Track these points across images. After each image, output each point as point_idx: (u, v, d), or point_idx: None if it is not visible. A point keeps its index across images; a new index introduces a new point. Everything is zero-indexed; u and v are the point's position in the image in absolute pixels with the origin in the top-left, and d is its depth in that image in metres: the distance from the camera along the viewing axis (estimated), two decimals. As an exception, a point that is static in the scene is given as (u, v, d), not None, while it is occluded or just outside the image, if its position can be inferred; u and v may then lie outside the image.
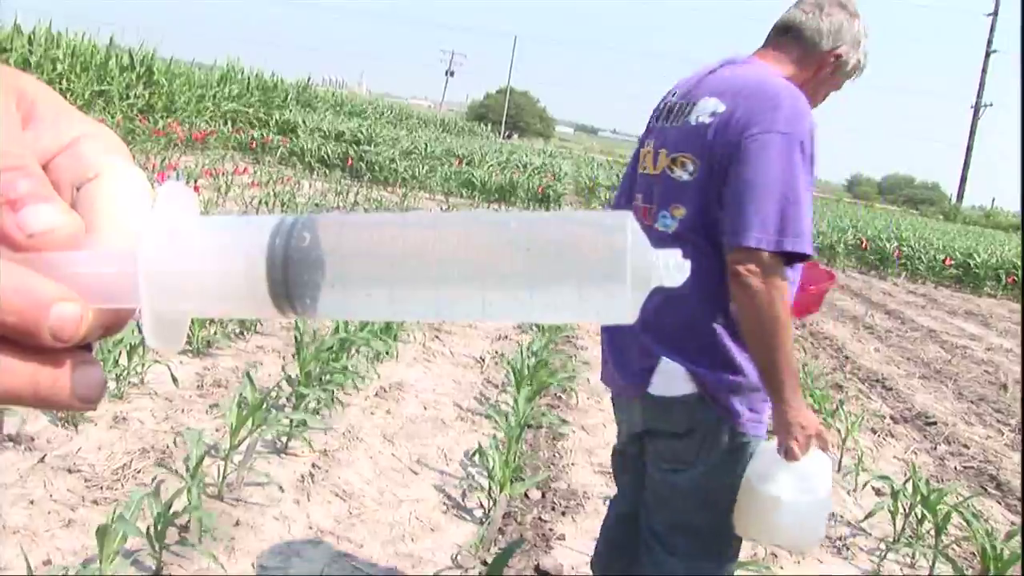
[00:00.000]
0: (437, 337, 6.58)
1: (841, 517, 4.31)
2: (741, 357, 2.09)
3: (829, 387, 6.65)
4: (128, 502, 2.78)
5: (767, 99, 2.02)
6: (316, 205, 12.18)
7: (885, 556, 3.91)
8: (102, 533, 2.54)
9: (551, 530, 3.67)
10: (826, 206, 35.34)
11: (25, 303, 0.33)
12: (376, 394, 4.99)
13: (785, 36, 2.24)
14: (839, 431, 5.19)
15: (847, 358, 8.16)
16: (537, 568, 3.35)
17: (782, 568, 3.61)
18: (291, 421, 3.95)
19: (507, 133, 74.88)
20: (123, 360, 4.32)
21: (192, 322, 4.17)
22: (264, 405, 3.65)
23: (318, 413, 4.35)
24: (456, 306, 0.35)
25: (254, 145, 18.34)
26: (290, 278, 0.35)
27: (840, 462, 5.01)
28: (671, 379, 2.14)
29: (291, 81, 28.45)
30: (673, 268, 0.35)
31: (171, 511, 2.88)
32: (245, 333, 5.70)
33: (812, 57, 2.22)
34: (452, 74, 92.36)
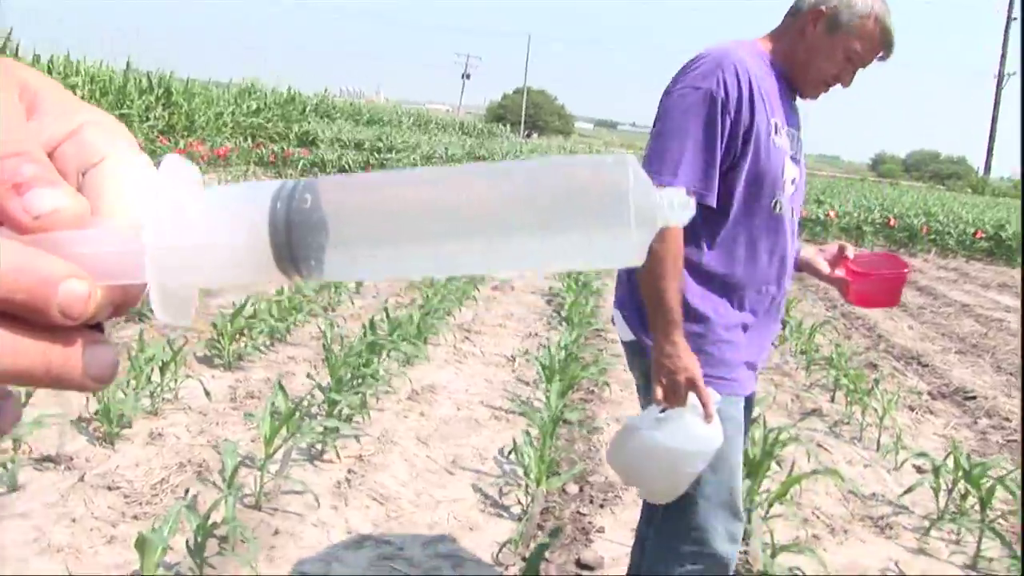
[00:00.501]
0: (467, 338, 6.58)
1: (882, 496, 4.27)
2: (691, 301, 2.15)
3: (863, 366, 6.59)
4: (167, 515, 2.79)
5: (690, 62, 2.13)
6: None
7: (928, 532, 3.86)
8: (141, 545, 2.55)
9: (590, 523, 3.65)
10: (850, 186, 35.08)
11: (33, 280, 0.33)
12: (408, 397, 4.99)
13: (786, 16, 2.28)
14: (876, 410, 5.14)
15: (880, 337, 8.08)
16: (578, 562, 3.34)
17: (825, 550, 3.57)
18: (324, 428, 3.96)
19: (527, 132, 74.85)
20: (156, 376, 4.35)
21: (223, 337, 4.18)
22: (296, 413, 3.66)
23: (351, 420, 4.36)
24: (463, 259, 0.35)
25: (274, 159, 18.44)
26: (293, 241, 0.35)
27: (879, 441, 4.97)
28: (621, 326, 2.29)
29: (308, 94, 28.59)
30: (678, 206, 0.35)
31: (210, 522, 2.89)
32: (275, 344, 5.73)
33: (797, 21, 2.23)
34: (468, 77, 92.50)
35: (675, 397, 2.07)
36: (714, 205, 2.09)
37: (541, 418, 4.09)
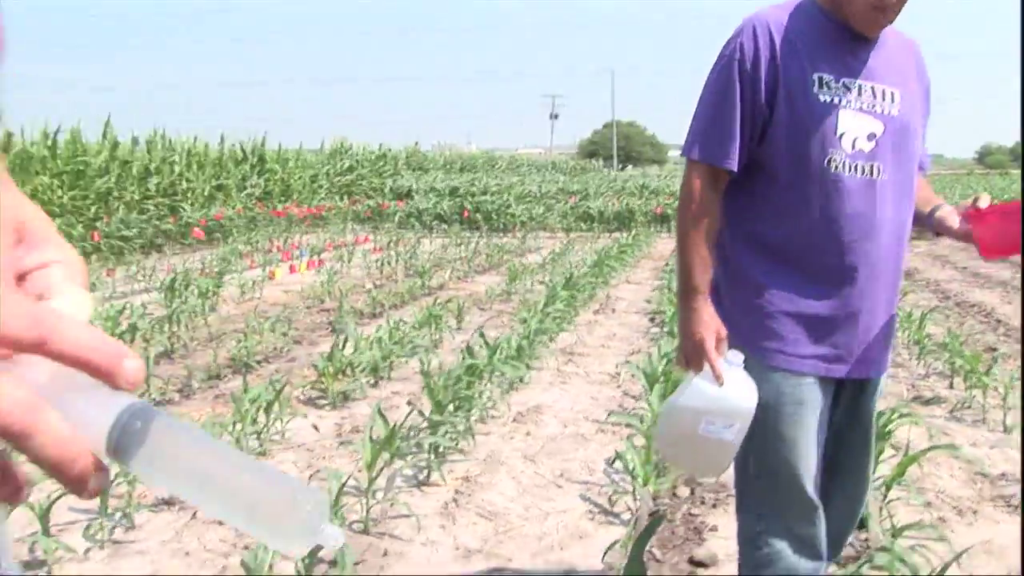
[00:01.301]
0: (571, 360, 6.53)
1: (1013, 475, 4.05)
2: (724, 284, 2.19)
3: (982, 350, 6.31)
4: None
5: None
6: (439, 259, 12.34)
7: (1066, 507, 3.65)
8: (247, 568, 2.57)
9: (703, 523, 3.56)
10: (956, 181, 34.03)
11: (110, 350, 0.46)
12: (514, 419, 4.96)
13: None
14: (998, 391, 4.92)
15: (999, 321, 7.76)
16: (691, 559, 3.25)
17: (952, 531, 3.40)
18: (429, 448, 3.96)
19: (621, 165, 74.77)
20: (261, 418, 4.42)
21: (326, 375, 4.20)
22: (396, 435, 3.66)
23: (456, 444, 4.35)
24: (209, 505, 0.48)
25: (371, 214, 18.78)
26: (119, 444, 0.47)
27: (1004, 422, 4.74)
28: None
29: (399, 149, 29.11)
30: (331, 539, 0.48)
31: (319, 548, 2.90)
32: (379, 382, 5.77)
33: None
34: (556, 117, 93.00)
35: (690, 361, 2.11)
36: (735, 169, 2.08)
37: (644, 424, 4.01)
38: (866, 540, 3.18)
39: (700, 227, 2.10)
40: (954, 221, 2.19)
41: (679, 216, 2.16)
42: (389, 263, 11.65)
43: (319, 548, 2.96)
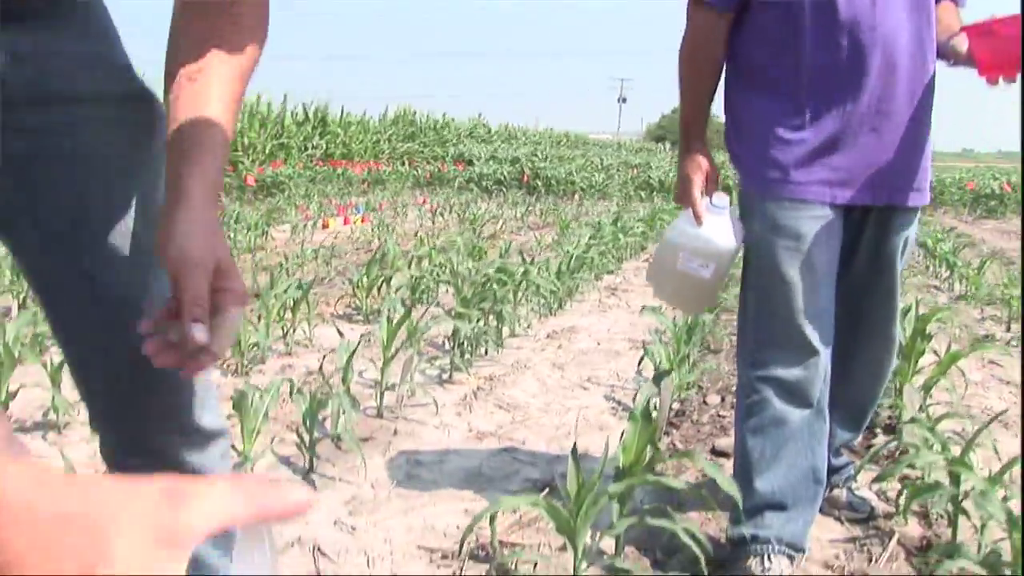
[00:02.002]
0: (613, 294, 6.39)
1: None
2: (731, 129, 2.19)
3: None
4: (269, 386, 2.74)
5: None
6: (492, 217, 12.22)
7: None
8: (239, 407, 2.49)
9: (729, 422, 3.39)
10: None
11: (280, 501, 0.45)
12: (547, 336, 4.84)
13: None
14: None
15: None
16: (712, 449, 3.11)
17: (998, 440, 3.19)
18: (453, 345, 3.85)
19: (687, 151, 73.69)
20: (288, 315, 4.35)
21: (359, 288, 4.11)
22: (417, 328, 3.56)
23: (484, 352, 4.24)
24: None
25: (430, 177, 18.73)
26: None
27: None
28: None
29: (463, 120, 29.04)
30: None
31: (323, 419, 2.84)
32: (417, 306, 5.67)
33: None
34: (624, 100, 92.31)
35: (680, 201, 2.18)
36: (730, 9, 2.08)
37: (674, 323, 3.86)
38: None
39: (697, 69, 2.16)
40: (963, 46, 2.00)
41: (679, 60, 2.18)
42: (442, 215, 11.57)
43: (322, 419, 2.89)
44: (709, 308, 2.38)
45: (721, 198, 2.14)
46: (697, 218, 2.11)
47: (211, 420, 1.29)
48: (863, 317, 2.28)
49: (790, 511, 2.12)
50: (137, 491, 0.40)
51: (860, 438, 2.71)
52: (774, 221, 2.05)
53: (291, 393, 2.76)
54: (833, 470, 2.51)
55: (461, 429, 3.24)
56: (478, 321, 4.20)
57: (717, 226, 2.12)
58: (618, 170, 21.12)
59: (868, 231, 2.16)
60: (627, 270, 7.64)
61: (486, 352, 4.29)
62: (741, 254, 2.20)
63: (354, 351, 3.15)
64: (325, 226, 10.63)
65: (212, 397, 1.31)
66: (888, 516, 2.54)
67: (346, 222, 11.49)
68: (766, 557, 2.06)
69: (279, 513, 0.45)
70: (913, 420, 2.51)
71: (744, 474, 2.13)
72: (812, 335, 2.07)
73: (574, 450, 2.10)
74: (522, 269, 4.95)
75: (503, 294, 4.46)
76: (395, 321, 3.45)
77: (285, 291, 4.26)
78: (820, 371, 2.10)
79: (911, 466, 2.58)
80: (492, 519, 2.09)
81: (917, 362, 3.36)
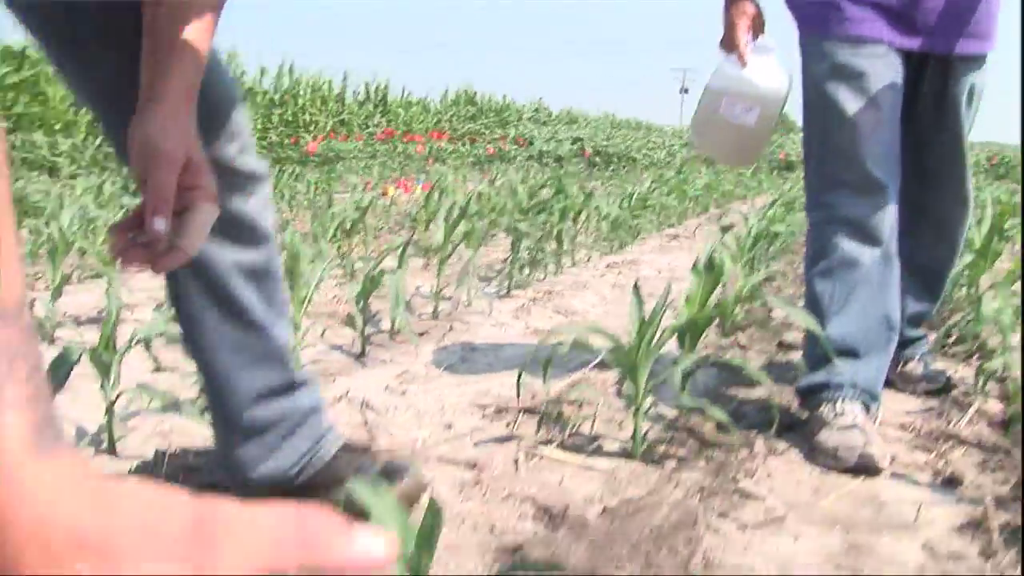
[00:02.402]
0: (674, 239, 6.28)
1: None
2: None
3: None
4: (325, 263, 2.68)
5: None
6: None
7: None
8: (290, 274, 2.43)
9: (796, 327, 3.27)
10: None
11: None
12: (607, 266, 4.74)
13: None
14: None
15: None
16: (780, 343, 3.00)
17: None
18: (512, 257, 3.77)
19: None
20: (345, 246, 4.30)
21: (418, 222, 4.04)
22: (472, 223, 3.48)
23: (540, 275, 4.16)
24: None
25: (493, 152, 18.68)
26: None
27: None
28: None
29: (524, 102, 28.97)
30: None
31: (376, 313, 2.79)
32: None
33: None
34: (687, 91, 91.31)
35: (726, 45, 2.12)
36: None
37: (740, 236, 3.75)
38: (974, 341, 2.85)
39: None
40: None
41: None
42: (500, 178, 11.50)
43: (375, 314, 2.83)
44: (752, 162, 2.29)
45: (769, 41, 2.10)
46: (741, 59, 2.08)
47: (251, 161, 1.28)
48: (930, 174, 2.17)
49: (863, 358, 2.01)
50: (164, 514, 0.34)
51: (935, 312, 2.58)
52: (833, 60, 1.99)
53: (347, 273, 2.70)
54: (907, 342, 2.39)
55: (518, 327, 3.16)
56: (538, 240, 4.11)
57: (762, 68, 2.09)
58: (680, 149, 20.92)
59: (928, 79, 2.09)
60: (690, 226, 7.51)
61: (544, 277, 4.21)
62: (791, 102, 2.15)
63: (407, 244, 3.06)
64: (384, 194, 10.62)
65: (251, 143, 1.29)
66: (966, 395, 2.40)
67: (406, 191, 11.48)
68: (839, 403, 1.95)
69: (343, 565, 0.36)
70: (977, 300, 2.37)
71: (815, 321, 2.02)
72: (878, 173, 1.98)
73: (635, 288, 2.01)
74: (583, 196, 4.85)
75: (562, 214, 4.36)
76: (451, 222, 3.37)
77: (343, 211, 4.20)
78: (888, 211, 2.00)
79: (987, 349, 2.45)
80: (547, 364, 2.01)
81: (993, 263, 3.20)
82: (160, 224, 0.96)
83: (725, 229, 3.98)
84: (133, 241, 0.99)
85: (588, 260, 4.86)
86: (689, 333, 2.00)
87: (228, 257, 1.31)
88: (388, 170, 14.91)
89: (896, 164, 2.02)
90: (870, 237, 2.00)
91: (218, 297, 1.32)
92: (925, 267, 2.30)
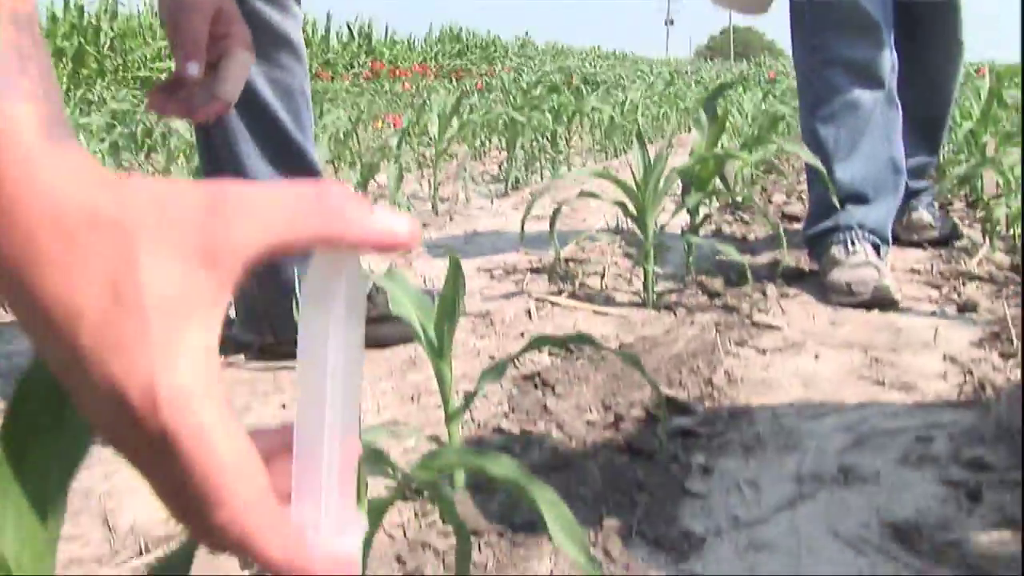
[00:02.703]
0: (671, 147, 6.22)
1: None
2: None
3: None
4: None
5: None
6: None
7: None
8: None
9: (798, 211, 3.26)
10: None
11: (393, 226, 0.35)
12: (604, 167, 4.70)
13: None
14: None
15: None
16: (782, 215, 2.98)
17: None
18: (509, 157, 3.73)
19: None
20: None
21: (410, 135, 3.97)
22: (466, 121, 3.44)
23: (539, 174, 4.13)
24: None
25: (481, 87, 18.50)
26: None
27: None
28: None
29: (510, 38, 28.66)
30: None
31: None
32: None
33: None
34: (672, 23, 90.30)
35: None
36: None
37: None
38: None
39: None
40: None
41: None
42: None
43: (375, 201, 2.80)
44: (765, 8, 2.23)
45: None
46: None
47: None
48: (925, 21, 2.13)
49: (872, 201, 1.99)
50: (177, 197, 0.33)
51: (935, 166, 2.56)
52: None
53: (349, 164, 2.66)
54: (911, 194, 2.36)
55: (518, 218, 3.13)
56: (532, 141, 4.07)
57: None
58: (670, 76, 20.74)
59: None
60: (684, 140, 7.46)
61: (541, 180, 4.17)
62: None
63: (403, 132, 3.02)
64: (376, 126, 10.58)
65: None
66: (973, 245, 2.39)
67: (396, 125, 11.41)
68: (850, 243, 1.93)
69: (364, 238, 0.34)
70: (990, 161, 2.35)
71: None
72: (874, 11, 1.94)
73: (639, 134, 1.98)
74: (576, 97, 4.80)
75: (556, 114, 4.32)
76: (448, 106, 3.33)
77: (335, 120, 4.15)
78: (886, 51, 1.97)
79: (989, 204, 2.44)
80: (554, 217, 1.99)
81: (996, 127, 3.18)
82: (193, 68, 0.96)
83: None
84: (171, 96, 1.00)
85: (584, 166, 4.82)
86: (699, 171, 1.97)
87: (259, 70, 1.36)
88: (376, 107, 14.81)
89: (888, 6, 1.98)
90: (872, 78, 1.97)
91: (248, 103, 1.35)
92: (922, 118, 2.27)
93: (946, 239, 2.36)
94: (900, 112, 2.04)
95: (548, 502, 0.62)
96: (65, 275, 0.31)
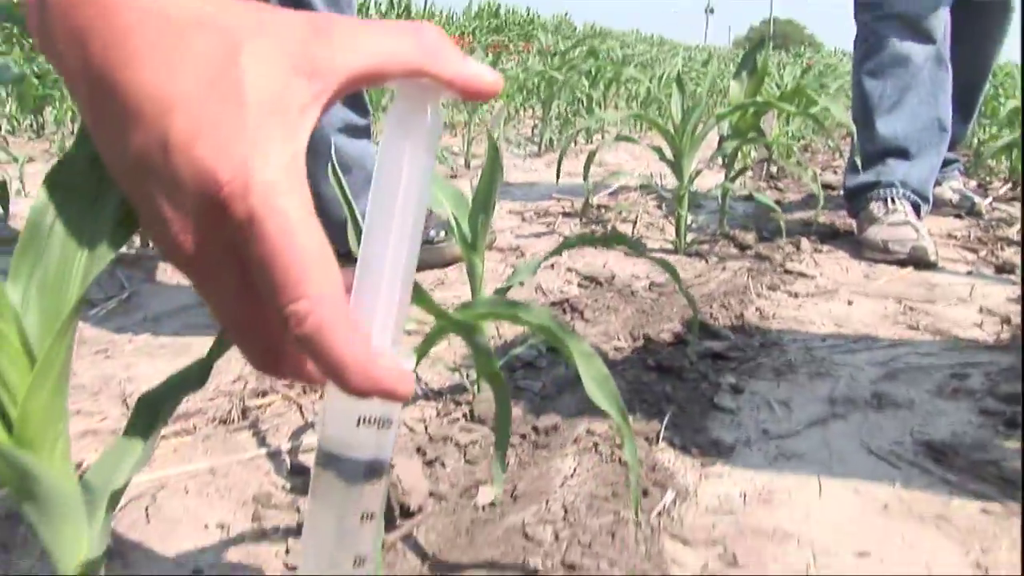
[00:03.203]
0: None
1: None
2: None
3: None
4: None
5: None
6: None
7: None
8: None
9: (837, 166, 3.21)
10: None
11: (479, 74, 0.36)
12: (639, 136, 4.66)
13: None
14: None
15: None
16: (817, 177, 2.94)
17: None
18: (544, 119, 3.69)
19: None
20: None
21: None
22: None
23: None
24: None
25: (518, 60, 18.45)
26: None
27: None
28: None
29: (548, 16, 28.54)
30: None
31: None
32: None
33: None
34: (712, 11, 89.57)
35: None
36: None
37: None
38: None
39: None
40: None
41: None
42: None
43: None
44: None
45: None
46: None
47: None
48: None
49: (914, 158, 1.95)
50: (282, 17, 0.34)
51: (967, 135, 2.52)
52: None
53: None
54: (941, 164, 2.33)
55: (552, 173, 3.11)
56: (569, 104, 4.05)
57: None
58: (709, 62, 20.59)
59: None
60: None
61: (576, 144, 4.14)
62: None
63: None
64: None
65: None
66: (1010, 216, 2.35)
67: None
68: (890, 200, 1.90)
69: (455, 77, 0.35)
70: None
71: (864, 119, 1.97)
72: None
73: (678, 79, 1.95)
74: (614, 64, 4.76)
75: (593, 78, 4.28)
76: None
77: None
78: (941, 8, 1.93)
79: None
80: (589, 160, 1.97)
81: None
82: None
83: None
84: None
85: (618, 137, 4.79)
86: (736, 122, 1.94)
87: None
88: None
89: None
90: (923, 34, 1.93)
91: None
92: (961, 84, 2.23)
93: (968, 214, 2.33)
94: (950, 73, 2.00)
95: (583, 353, 0.60)
96: (166, 69, 0.32)
